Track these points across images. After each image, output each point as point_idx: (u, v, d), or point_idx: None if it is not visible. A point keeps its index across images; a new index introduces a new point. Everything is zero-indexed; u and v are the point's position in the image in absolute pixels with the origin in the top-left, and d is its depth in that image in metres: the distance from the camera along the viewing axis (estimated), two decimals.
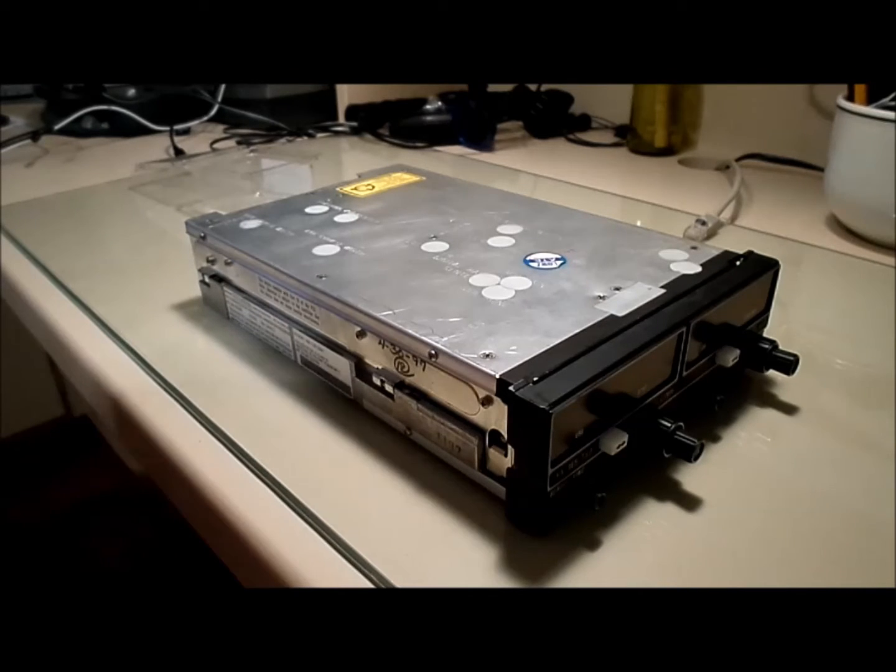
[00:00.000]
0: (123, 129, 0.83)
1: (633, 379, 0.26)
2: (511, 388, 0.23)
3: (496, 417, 0.25)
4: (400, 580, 0.23)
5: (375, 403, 0.31)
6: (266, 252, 0.35)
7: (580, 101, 0.83)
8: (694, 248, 0.34)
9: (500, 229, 0.37)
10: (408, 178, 0.46)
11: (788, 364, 0.31)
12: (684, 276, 0.31)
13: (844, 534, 0.25)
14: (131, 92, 0.84)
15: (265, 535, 0.25)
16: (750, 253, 0.33)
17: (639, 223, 0.51)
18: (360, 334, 0.29)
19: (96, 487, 1.32)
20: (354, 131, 0.83)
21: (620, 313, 0.28)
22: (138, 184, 0.66)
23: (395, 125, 0.81)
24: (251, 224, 0.38)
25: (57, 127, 0.79)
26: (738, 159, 0.67)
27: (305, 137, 0.82)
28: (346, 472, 0.28)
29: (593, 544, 0.24)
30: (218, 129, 0.85)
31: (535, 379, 0.23)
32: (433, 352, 0.26)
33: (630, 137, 0.75)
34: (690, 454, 0.25)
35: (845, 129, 0.48)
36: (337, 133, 0.84)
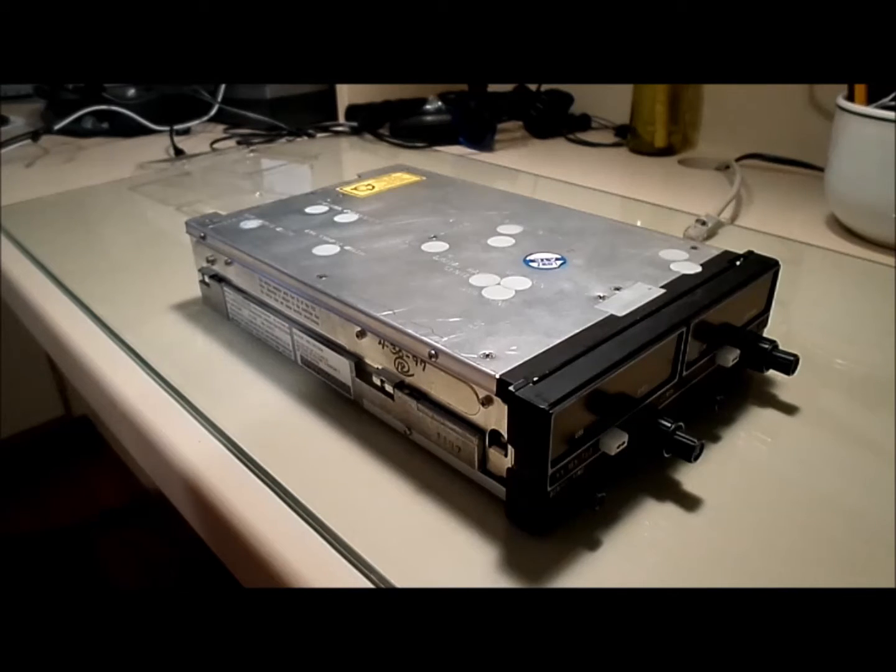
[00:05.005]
0: (123, 129, 0.83)
1: (633, 379, 0.26)
2: (511, 388, 0.23)
3: (496, 417, 0.25)
4: (400, 580, 0.23)
5: (375, 403, 0.31)
6: (266, 252, 0.35)
7: (580, 101, 0.83)
8: (694, 248, 0.34)
9: (500, 229, 0.37)
10: (408, 178, 0.46)
11: (788, 364, 0.31)
12: (684, 276, 0.31)
13: (845, 534, 0.25)
14: (131, 92, 0.84)
15: (265, 534, 0.25)
16: (750, 253, 0.33)
17: (639, 223, 0.51)
18: (360, 334, 0.29)
19: (97, 489, 1.32)
20: (354, 131, 0.83)
21: (620, 313, 0.28)
22: (138, 184, 0.66)
23: (395, 125, 0.81)
24: (251, 224, 0.38)
25: (57, 127, 0.79)
26: (738, 159, 0.67)
27: (305, 137, 0.82)
28: (347, 473, 0.28)
29: (593, 544, 0.24)
30: (218, 129, 0.85)
31: (535, 379, 0.23)
32: (433, 352, 0.26)
33: (630, 137, 0.75)
34: (690, 454, 0.25)
35: (845, 129, 0.48)
36: (337, 133, 0.84)
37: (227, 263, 0.37)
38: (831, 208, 0.53)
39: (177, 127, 0.81)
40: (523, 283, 0.31)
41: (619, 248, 0.34)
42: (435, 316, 0.28)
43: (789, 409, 0.32)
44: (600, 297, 0.29)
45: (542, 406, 0.22)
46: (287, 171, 0.70)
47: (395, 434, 0.30)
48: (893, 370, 0.34)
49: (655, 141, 0.73)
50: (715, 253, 0.33)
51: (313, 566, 0.24)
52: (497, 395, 0.24)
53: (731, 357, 0.30)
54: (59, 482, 1.35)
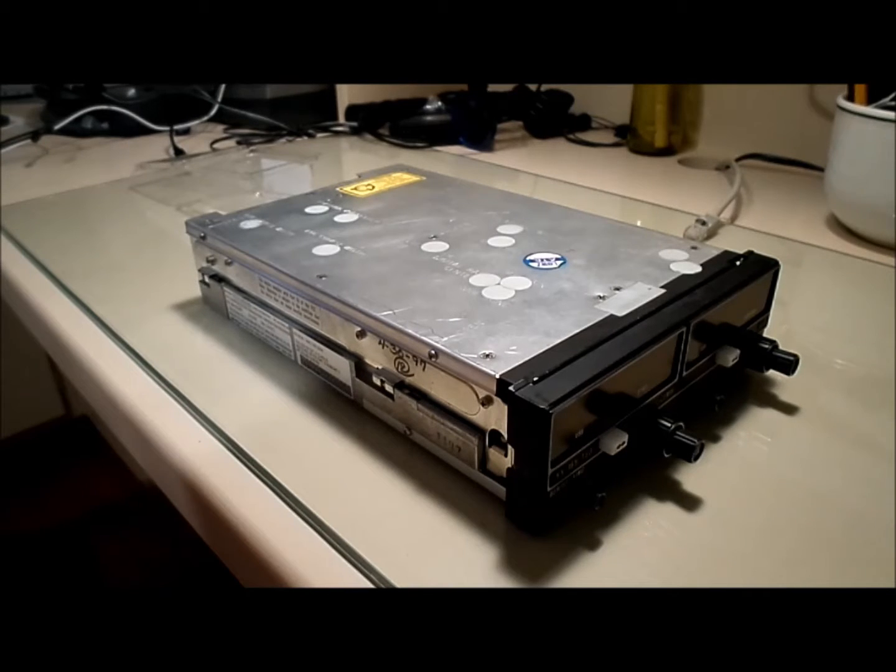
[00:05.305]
0: (123, 129, 0.83)
1: (633, 379, 0.26)
2: (511, 387, 0.23)
3: (496, 417, 0.25)
4: (400, 580, 0.23)
5: (375, 403, 0.31)
6: (266, 252, 0.35)
7: (580, 101, 0.83)
8: (694, 248, 0.34)
9: (500, 229, 0.37)
10: (408, 178, 0.46)
11: (788, 364, 0.31)
12: (684, 276, 0.31)
13: (844, 534, 0.25)
14: (131, 92, 0.84)
15: (265, 534, 0.25)
16: (750, 253, 0.33)
17: (639, 223, 0.51)
18: (360, 334, 0.29)
19: (96, 488, 1.32)
20: (354, 131, 0.83)
21: (620, 313, 0.28)
22: (138, 184, 0.66)
23: (395, 125, 0.81)
24: (251, 224, 0.38)
25: (57, 127, 0.79)
26: (738, 159, 0.68)
27: (305, 137, 0.82)
28: (347, 472, 0.28)
29: (593, 544, 0.24)
30: (218, 129, 0.85)
31: (535, 379, 0.23)
32: (433, 352, 0.26)
33: (630, 137, 0.75)
34: (690, 454, 0.25)
35: (845, 129, 0.48)
36: (337, 133, 0.84)
37: (227, 263, 0.37)
38: (831, 208, 0.53)
39: (177, 127, 0.81)
40: (523, 283, 0.31)
41: (619, 248, 0.34)
42: (435, 316, 0.28)
43: (789, 409, 0.32)
44: (600, 297, 0.29)
45: (542, 406, 0.22)
46: (287, 171, 0.70)
47: (395, 434, 0.30)
48: (893, 370, 0.34)
49: (655, 141, 0.73)
50: (715, 253, 0.33)
51: (313, 566, 0.24)
52: (497, 395, 0.24)
53: (731, 357, 0.30)
54: (58, 482, 1.35)
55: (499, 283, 0.31)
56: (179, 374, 0.35)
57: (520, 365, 0.24)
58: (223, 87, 0.86)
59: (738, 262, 0.32)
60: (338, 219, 0.39)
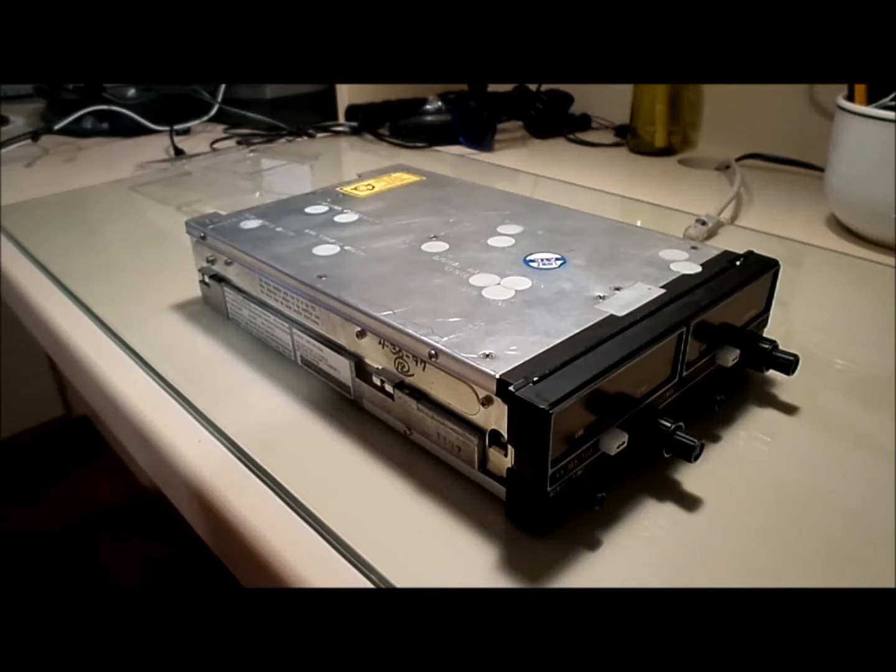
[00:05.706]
0: (123, 129, 0.83)
1: (633, 379, 0.26)
2: (511, 387, 0.23)
3: (496, 417, 0.25)
4: (400, 580, 0.23)
5: (375, 403, 0.31)
6: (266, 252, 0.35)
7: (580, 101, 0.83)
8: (694, 248, 0.34)
9: (500, 229, 0.37)
10: (408, 178, 0.46)
11: (788, 364, 0.31)
12: (684, 276, 0.31)
13: (845, 534, 0.25)
14: (131, 92, 0.84)
15: (265, 534, 0.25)
16: (750, 253, 0.33)
17: (639, 223, 0.51)
18: (360, 334, 0.29)
19: (97, 488, 1.32)
20: (354, 131, 0.83)
21: (620, 313, 0.28)
22: (138, 184, 0.66)
23: (395, 125, 0.81)
24: (251, 224, 0.38)
25: (57, 127, 0.79)
26: (738, 159, 0.68)
27: (305, 137, 0.82)
28: (346, 472, 0.28)
29: (593, 544, 0.24)
30: (218, 129, 0.85)
31: (535, 379, 0.23)
32: (433, 352, 0.26)
33: (630, 137, 0.75)
34: (690, 454, 0.25)
35: (845, 129, 0.48)
36: (337, 133, 0.84)
37: (227, 263, 0.37)
38: (831, 208, 0.53)
39: (177, 127, 0.81)
40: (523, 283, 0.31)
41: (619, 248, 0.34)
42: (435, 316, 0.28)
43: (789, 409, 0.32)
44: (600, 297, 0.29)
45: (542, 406, 0.22)
46: (287, 171, 0.70)
47: (395, 434, 0.30)
48: (893, 370, 0.34)
49: (655, 141, 0.73)
50: (715, 253, 0.33)
51: (313, 566, 0.24)
52: (497, 395, 0.24)
53: (731, 357, 0.30)
54: (59, 482, 1.35)
55: (499, 283, 0.31)
56: (179, 375, 0.35)
57: (520, 365, 0.24)
58: (223, 87, 0.86)
59: (738, 262, 0.32)
60: (338, 219, 0.39)
